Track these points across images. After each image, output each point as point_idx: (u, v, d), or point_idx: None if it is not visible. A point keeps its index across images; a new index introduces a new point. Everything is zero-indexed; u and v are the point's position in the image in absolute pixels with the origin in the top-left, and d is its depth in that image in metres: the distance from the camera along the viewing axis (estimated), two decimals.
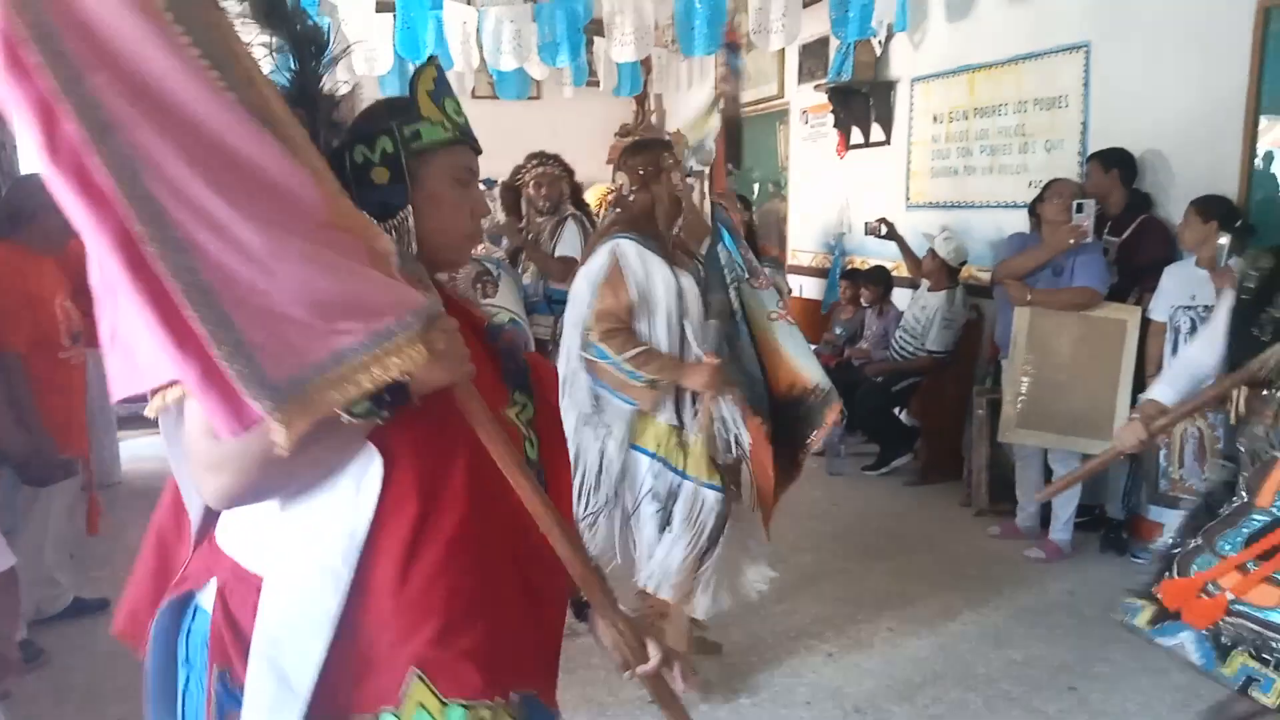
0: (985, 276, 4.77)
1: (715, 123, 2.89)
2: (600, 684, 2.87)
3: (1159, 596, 2.19)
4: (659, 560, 2.69)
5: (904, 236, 5.29)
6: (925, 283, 5.11)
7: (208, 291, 0.88)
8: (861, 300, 5.75)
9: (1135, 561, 3.82)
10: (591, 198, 5.62)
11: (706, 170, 2.99)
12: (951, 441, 4.89)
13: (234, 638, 1.12)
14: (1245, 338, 2.23)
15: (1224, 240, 3.45)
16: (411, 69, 6.42)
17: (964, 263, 5.01)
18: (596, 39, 6.50)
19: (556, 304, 4.13)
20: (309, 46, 1.13)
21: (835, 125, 6.26)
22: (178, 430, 1.09)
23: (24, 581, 3.09)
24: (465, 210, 1.24)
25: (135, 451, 5.00)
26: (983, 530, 4.35)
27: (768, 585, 2.87)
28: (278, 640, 1.07)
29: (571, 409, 2.68)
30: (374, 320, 0.95)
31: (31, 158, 0.97)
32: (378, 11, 5.84)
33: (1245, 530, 2.13)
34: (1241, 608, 2.05)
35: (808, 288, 6.84)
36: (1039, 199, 4.15)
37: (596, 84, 7.09)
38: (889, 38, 5.61)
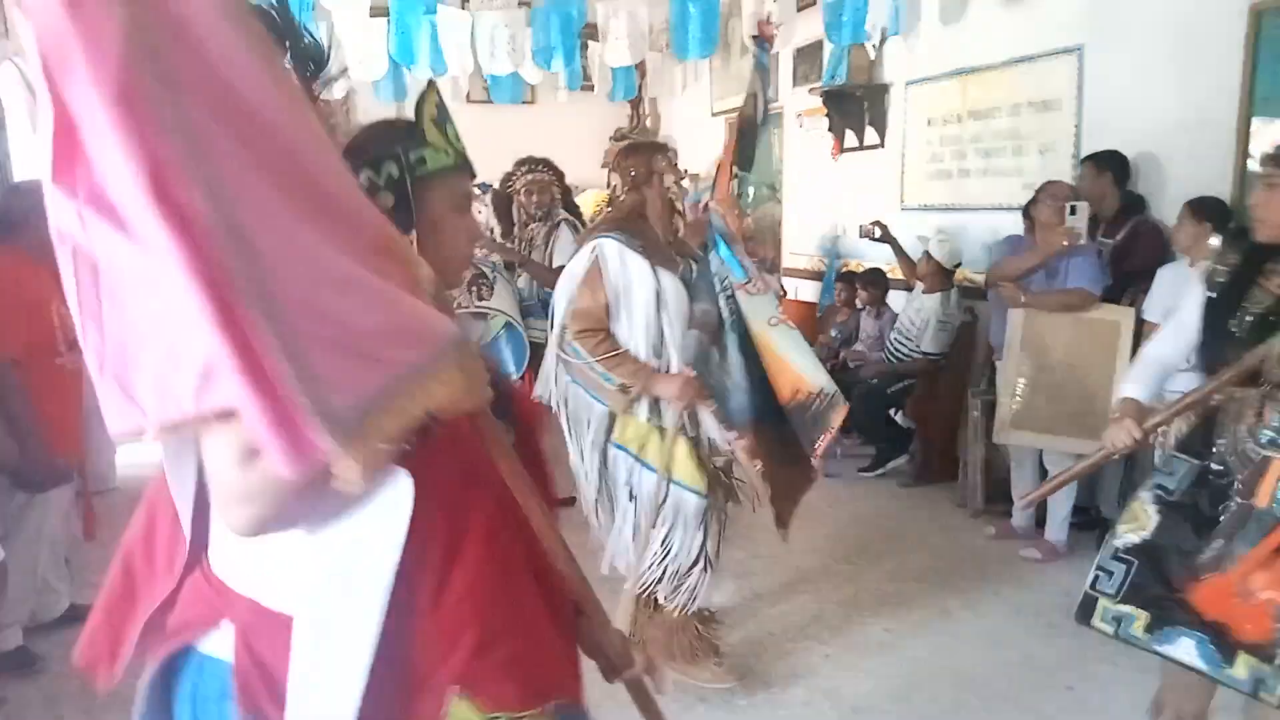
0: (980, 279, 4.77)
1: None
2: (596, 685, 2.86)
3: (1192, 603, 2.08)
4: (616, 534, 2.73)
5: (898, 239, 5.31)
6: (920, 285, 5.13)
7: (288, 322, 0.83)
8: (857, 303, 5.77)
9: None
10: (587, 204, 5.61)
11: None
12: (947, 443, 4.90)
13: (265, 683, 1.06)
14: (1222, 334, 2.21)
15: (1216, 241, 3.46)
16: (405, 74, 6.37)
17: (958, 265, 5.03)
18: (591, 43, 6.51)
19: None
20: (307, 64, 1.13)
21: (830, 129, 6.27)
22: (183, 456, 1.07)
23: (19, 588, 3.09)
24: (464, 235, 1.27)
25: (131, 458, 4.99)
26: (979, 531, 4.36)
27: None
28: (315, 678, 1.04)
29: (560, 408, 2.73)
30: (420, 348, 0.94)
31: (37, 169, 0.91)
32: (372, 16, 5.85)
33: (1254, 532, 2.09)
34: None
35: (803, 290, 6.86)
36: (1033, 201, 4.16)
37: (591, 88, 7.09)
38: (883, 41, 5.62)
